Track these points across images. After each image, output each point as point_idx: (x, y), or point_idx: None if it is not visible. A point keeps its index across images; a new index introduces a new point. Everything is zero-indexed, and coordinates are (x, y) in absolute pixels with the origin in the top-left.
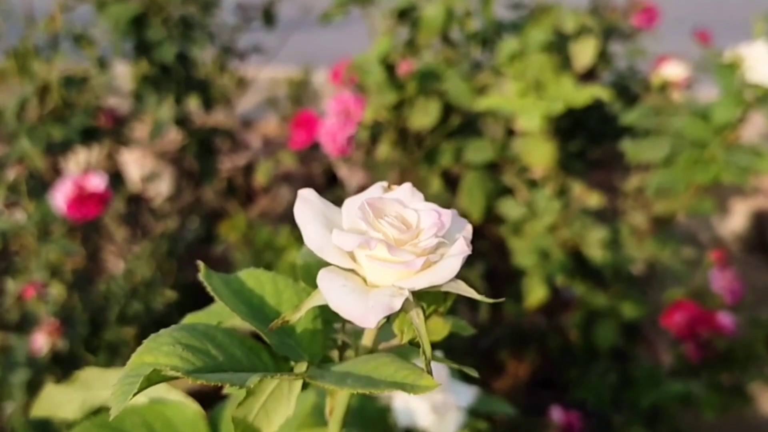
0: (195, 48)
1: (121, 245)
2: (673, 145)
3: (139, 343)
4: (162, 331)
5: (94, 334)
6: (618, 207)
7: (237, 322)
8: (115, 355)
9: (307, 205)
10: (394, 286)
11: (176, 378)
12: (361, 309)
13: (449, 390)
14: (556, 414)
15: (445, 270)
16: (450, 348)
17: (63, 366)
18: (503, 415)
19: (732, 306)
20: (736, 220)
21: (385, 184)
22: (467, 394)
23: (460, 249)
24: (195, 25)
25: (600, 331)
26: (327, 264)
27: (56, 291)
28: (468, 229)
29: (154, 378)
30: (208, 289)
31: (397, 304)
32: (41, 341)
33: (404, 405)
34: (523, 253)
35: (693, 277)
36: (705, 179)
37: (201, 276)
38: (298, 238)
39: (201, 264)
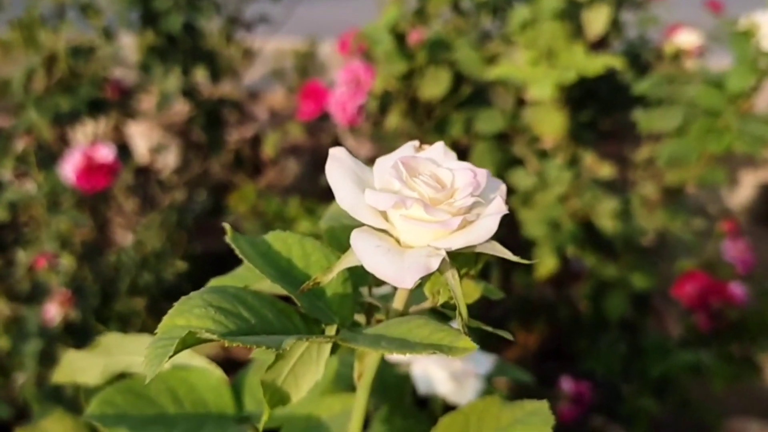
0: (201, 18)
1: (130, 217)
2: (685, 114)
3: (149, 313)
4: (192, 293)
5: (105, 305)
6: (629, 177)
7: (264, 285)
8: (126, 326)
9: (339, 164)
10: (430, 246)
11: (210, 341)
12: (398, 269)
13: (468, 357)
14: (566, 384)
15: (482, 229)
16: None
17: (75, 336)
18: (513, 385)
19: (743, 276)
20: (744, 192)
21: (416, 143)
22: (486, 362)
23: (497, 208)
24: None
25: (610, 302)
26: (352, 227)
27: (67, 262)
28: (503, 189)
29: (189, 341)
30: (237, 251)
31: (434, 264)
32: (53, 311)
33: (423, 372)
34: (533, 223)
35: (703, 247)
36: (718, 149)
37: (228, 238)
38: (309, 209)
39: (228, 226)
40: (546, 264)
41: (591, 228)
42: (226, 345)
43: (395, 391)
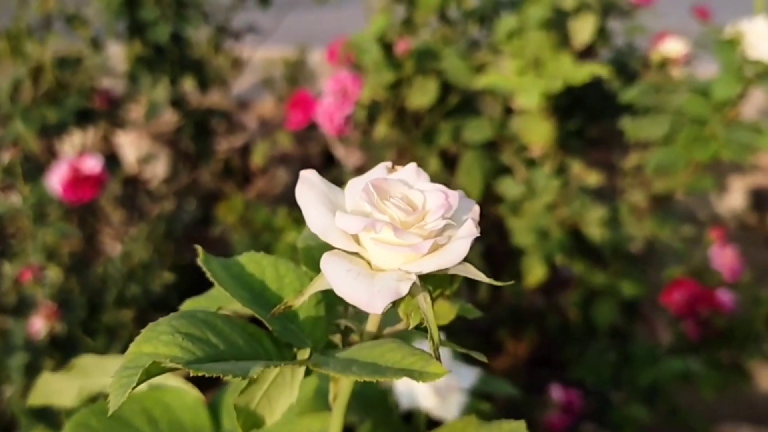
0: (189, 28)
1: (118, 228)
2: (672, 122)
3: (137, 325)
4: (161, 319)
5: (92, 317)
6: (617, 185)
7: (237, 307)
8: (113, 338)
9: (309, 187)
10: (401, 270)
11: (176, 369)
12: (368, 294)
13: (451, 372)
14: (556, 392)
15: (453, 253)
16: (449, 328)
17: (61, 349)
18: (503, 395)
19: (731, 284)
20: (734, 199)
21: (389, 164)
22: (469, 376)
23: (468, 231)
24: (189, 4)
25: (599, 310)
26: (329, 247)
27: (53, 274)
28: (475, 211)
29: (153, 370)
30: (207, 274)
31: (404, 289)
32: (39, 324)
33: (406, 387)
34: (522, 232)
35: (692, 255)
36: (705, 156)
37: (199, 261)
38: (297, 220)
39: (199, 248)
40: (535, 272)
41: (579, 236)
42: (191, 374)
43: (379, 406)
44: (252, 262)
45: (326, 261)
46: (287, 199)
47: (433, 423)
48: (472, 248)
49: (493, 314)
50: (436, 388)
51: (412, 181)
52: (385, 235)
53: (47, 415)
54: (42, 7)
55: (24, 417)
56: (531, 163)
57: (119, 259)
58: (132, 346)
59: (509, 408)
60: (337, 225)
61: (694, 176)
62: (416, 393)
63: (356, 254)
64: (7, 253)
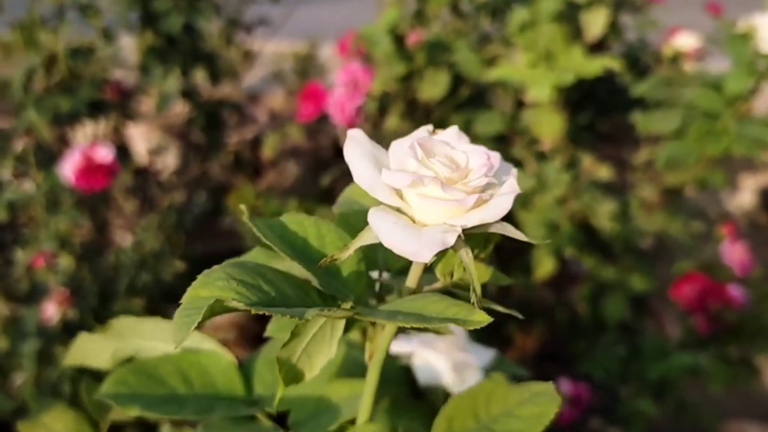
0: (201, 19)
1: (129, 218)
2: (684, 116)
3: (147, 314)
4: (214, 267)
5: (104, 305)
6: (627, 180)
7: (278, 267)
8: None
9: (357, 145)
10: (446, 224)
11: (236, 310)
12: (416, 244)
13: (469, 350)
14: (564, 386)
15: (496, 208)
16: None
17: (73, 335)
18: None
19: (742, 279)
20: (744, 196)
21: (430, 127)
22: (486, 355)
23: (510, 187)
24: None
25: (608, 304)
26: (365, 214)
27: (65, 262)
28: (515, 172)
29: (217, 308)
30: (254, 230)
31: (451, 240)
32: (51, 311)
33: (425, 364)
34: (531, 225)
35: (702, 250)
36: (716, 151)
37: (245, 218)
38: (308, 210)
39: (243, 207)
40: (544, 266)
41: (589, 230)
42: (252, 312)
43: (397, 383)
44: (294, 222)
45: (373, 215)
46: (297, 192)
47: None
48: None
49: (507, 308)
50: (455, 364)
51: (454, 143)
52: (431, 190)
53: (59, 399)
54: None
55: (35, 404)
56: (541, 157)
57: (131, 248)
58: (189, 290)
59: None
60: (385, 180)
61: (705, 171)
62: (435, 369)
63: (399, 211)
64: (20, 240)
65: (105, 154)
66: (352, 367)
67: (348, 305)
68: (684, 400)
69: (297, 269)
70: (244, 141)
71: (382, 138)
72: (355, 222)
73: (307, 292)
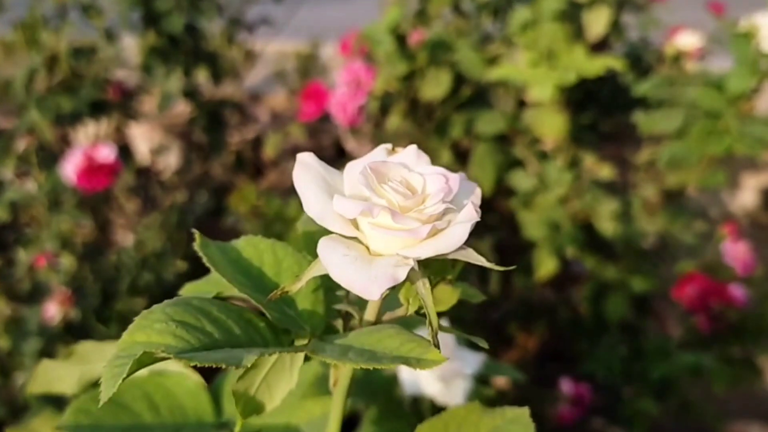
0: (203, 19)
1: (131, 217)
2: (686, 116)
3: None
4: (154, 306)
5: (105, 305)
6: (629, 179)
7: (236, 292)
8: (126, 326)
9: (306, 170)
10: (399, 255)
11: (168, 359)
12: (364, 280)
13: (456, 357)
14: (566, 386)
15: (452, 238)
16: (459, 320)
17: (75, 335)
18: (512, 387)
19: (744, 278)
20: (746, 196)
21: (389, 146)
22: (474, 362)
23: (468, 215)
24: None
25: (610, 304)
26: (329, 232)
27: (67, 261)
28: (477, 194)
29: (145, 360)
30: (204, 259)
31: (402, 275)
32: (53, 310)
33: (411, 374)
34: (533, 225)
35: (704, 250)
36: (718, 150)
37: (196, 245)
38: None
39: (196, 233)
40: (546, 266)
41: (591, 230)
42: (182, 365)
43: (384, 392)
44: (250, 245)
45: (323, 246)
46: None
47: (438, 409)
48: (483, 241)
49: (504, 308)
50: (441, 375)
51: (412, 164)
52: (382, 220)
53: (59, 400)
54: None
55: (37, 404)
56: (543, 156)
57: (133, 247)
58: (125, 335)
59: (519, 401)
60: (335, 209)
61: (706, 171)
62: (420, 379)
63: (355, 239)
64: (22, 240)
65: (107, 154)
66: (326, 383)
67: (304, 339)
68: (686, 400)
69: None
70: (245, 141)
71: (383, 137)
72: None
73: (257, 327)
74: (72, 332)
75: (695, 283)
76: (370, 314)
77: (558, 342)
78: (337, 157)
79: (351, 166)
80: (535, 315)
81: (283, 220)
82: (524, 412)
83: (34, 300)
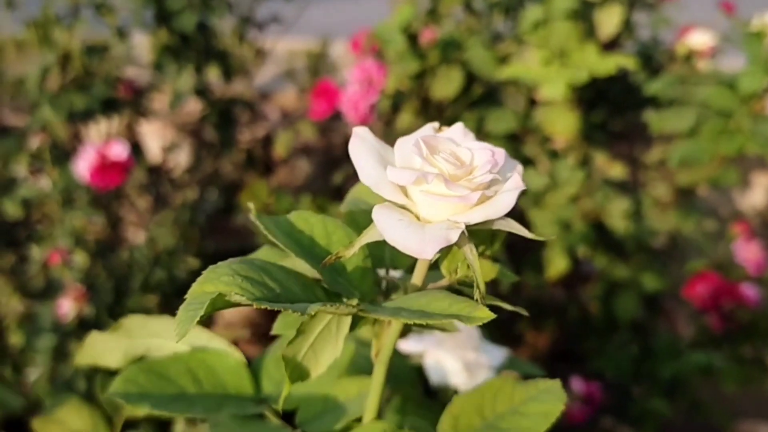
0: (215, 17)
1: (142, 215)
2: (697, 115)
3: (162, 310)
4: (220, 263)
5: (118, 302)
6: (640, 178)
7: (285, 264)
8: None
9: (362, 142)
10: (449, 221)
11: (239, 305)
12: (419, 241)
13: (481, 349)
14: (576, 385)
15: (500, 204)
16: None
17: (89, 332)
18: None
19: (755, 278)
20: (757, 194)
21: (436, 125)
22: (498, 355)
23: (514, 184)
24: None
25: (620, 303)
26: (371, 211)
27: (80, 259)
28: (519, 168)
29: (218, 303)
30: (260, 227)
31: (454, 237)
32: (67, 307)
33: (436, 363)
34: (544, 224)
35: (715, 249)
36: (730, 150)
37: (252, 217)
38: (320, 207)
39: (251, 205)
40: (557, 265)
41: (602, 229)
42: (254, 307)
43: (408, 382)
44: (301, 219)
45: (378, 212)
46: (309, 190)
47: None
48: None
49: (514, 306)
50: (466, 364)
51: (459, 140)
52: (435, 187)
53: (74, 393)
54: None
55: (49, 399)
56: (554, 155)
57: (145, 244)
58: (194, 285)
59: None
60: (389, 178)
61: (718, 170)
62: (446, 369)
63: (404, 208)
64: (35, 236)
65: (119, 151)
66: (361, 364)
67: (353, 302)
68: (696, 400)
69: (303, 267)
70: (256, 139)
71: (394, 136)
72: (362, 221)
73: (312, 289)
74: (85, 329)
75: (706, 283)
76: (416, 280)
77: (568, 341)
78: (347, 155)
79: (402, 141)
80: (545, 314)
81: None
82: (556, 383)
83: (47, 296)
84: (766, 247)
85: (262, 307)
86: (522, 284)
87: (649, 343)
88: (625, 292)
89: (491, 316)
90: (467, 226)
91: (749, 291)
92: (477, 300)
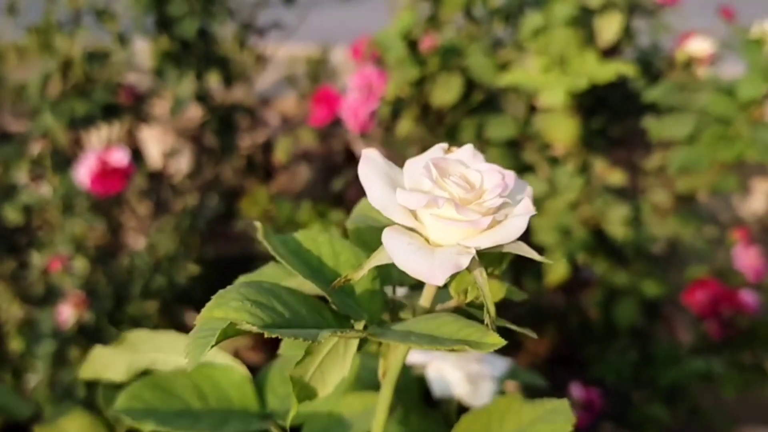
0: (215, 24)
1: (143, 221)
2: (697, 121)
3: (162, 316)
4: (229, 287)
5: (118, 308)
6: (639, 185)
7: (292, 284)
8: (138, 328)
9: (371, 165)
10: (460, 245)
11: (249, 333)
12: (429, 267)
13: (484, 360)
14: (576, 390)
15: (511, 229)
16: None
17: (89, 338)
18: (523, 391)
19: (754, 284)
20: (757, 201)
21: (445, 146)
22: (501, 365)
23: (525, 208)
24: (215, 0)
25: (620, 310)
26: (377, 228)
27: (80, 265)
28: (529, 191)
29: (229, 332)
30: (268, 248)
31: (465, 262)
32: (67, 313)
33: (439, 374)
34: (544, 230)
35: (714, 256)
36: (729, 156)
37: (259, 235)
38: (321, 213)
39: (259, 224)
40: (557, 271)
41: (602, 235)
42: (265, 336)
43: (411, 393)
44: (308, 239)
45: (387, 235)
46: (309, 195)
47: (464, 410)
48: None
49: (514, 313)
50: (469, 376)
51: (469, 162)
52: (446, 211)
53: (73, 402)
54: (72, 2)
55: (49, 405)
56: (554, 162)
57: (145, 251)
58: (204, 311)
59: None
60: (399, 201)
61: (717, 176)
62: (449, 380)
63: (414, 230)
64: (36, 243)
65: (120, 157)
66: (366, 378)
67: (361, 324)
68: (696, 406)
69: (310, 286)
70: (256, 144)
71: (394, 142)
72: (368, 238)
73: (320, 311)
74: (85, 335)
75: (706, 289)
76: (425, 302)
77: (568, 347)
78: (347, 162)
79: (411, 163)
80: (545, 320)
81: (295, 223)
82: (563, 403)
83: (47, 303)
84: (766, 253)
85: (273, 335)
86: (522, 290)
87: (648, 349)
88: (625, 298)
89: (502, 342)
90: (477, 250)
91: (749, 297)
92: (487, 324)
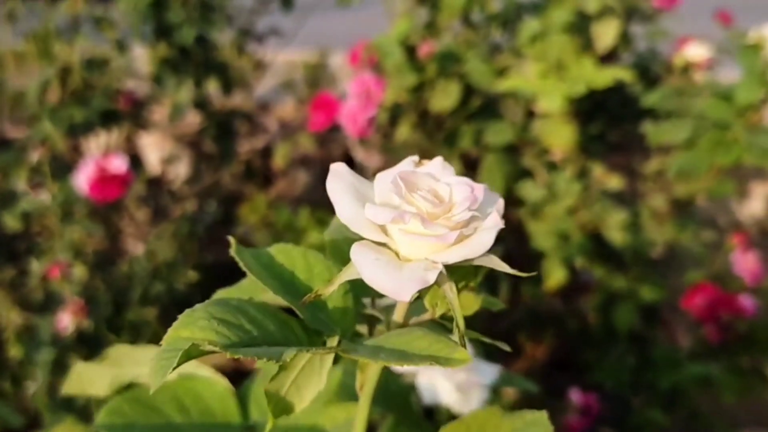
0: (214, 31)
1: (142, 227)
2: (694, 126)
3: (161, 323)
4: (196, 306)
5: (117, 315)
6: (638, 190)
7: (268, 297)
8: (137, 335)
9: (339, 179)
10: (428, 260)
11: (213, 353)
12: (396, 282)
13: (473, 368)
14: (575, 395)
15: (478, 243)
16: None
17: (88, 345)
18: (521, 397)
19: (753, 289)
20: (755, 205)
21: (416, 158)
22: (490, 372)
23: (493, 222)
24: (214, 7)
25: (618, 314)
26: (354, 240)
27: (79, 271)
28: (500, 204)
29: (192, 352)
30: (240, 263)
31: (432, 278)
32: (66, 320)
33: (428, 383)
34: (542, 235)
35: (713, 260)
36: (727, 161)
37: (232, 251)
38: (319, 220)
39: (232, 239)
40: (555, 276)
41: (600, 240)
42: (228, 356)
43: (400, 401)
44: (282, 252)
45: (355, 251)
46: (308, 201)
47: (454, 419)
48: (491, 251)
49: (513, 317)
50: (458, 384)
51: (438, 175)
52: (413, 226)
53: (71, 409)
54: (70, 9)
55: (48, 412)
56: (552, 167)
57: (144, 257)
58: (170, 331)
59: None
60: (367, 216)
61: (715, 181)
62: (438, 389)
63: (384, 245)
64: (35, 250)
65: (119, 164)
66: (348, 392)
67: (334, 340)
68: (695, 410)
69: (282, 301)
70: (255, 150)
71: (392, 148)
72: (345, 250)
73: (291, 327)
74: (85, 342)
75: (704, 293)
76: (398, 317)
77: (566, 352)
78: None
79: (381, 177)
80: (543, 325)
81: (293, 229)
82: (542, 415)
83: (46, 310)
84: (764, 257)
85: (236, 356)
86: (520, 295)
87: (647, 354)
88: (624, 302)
89: (469, 359)
90: (446, 265)
91: (746, 302)
92: (457, 340)
